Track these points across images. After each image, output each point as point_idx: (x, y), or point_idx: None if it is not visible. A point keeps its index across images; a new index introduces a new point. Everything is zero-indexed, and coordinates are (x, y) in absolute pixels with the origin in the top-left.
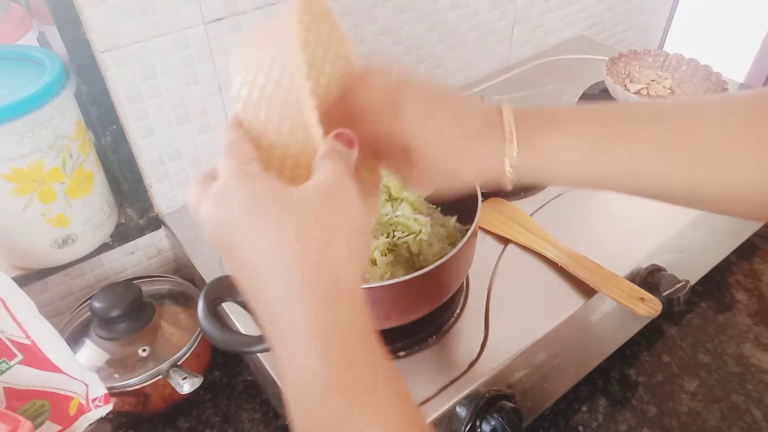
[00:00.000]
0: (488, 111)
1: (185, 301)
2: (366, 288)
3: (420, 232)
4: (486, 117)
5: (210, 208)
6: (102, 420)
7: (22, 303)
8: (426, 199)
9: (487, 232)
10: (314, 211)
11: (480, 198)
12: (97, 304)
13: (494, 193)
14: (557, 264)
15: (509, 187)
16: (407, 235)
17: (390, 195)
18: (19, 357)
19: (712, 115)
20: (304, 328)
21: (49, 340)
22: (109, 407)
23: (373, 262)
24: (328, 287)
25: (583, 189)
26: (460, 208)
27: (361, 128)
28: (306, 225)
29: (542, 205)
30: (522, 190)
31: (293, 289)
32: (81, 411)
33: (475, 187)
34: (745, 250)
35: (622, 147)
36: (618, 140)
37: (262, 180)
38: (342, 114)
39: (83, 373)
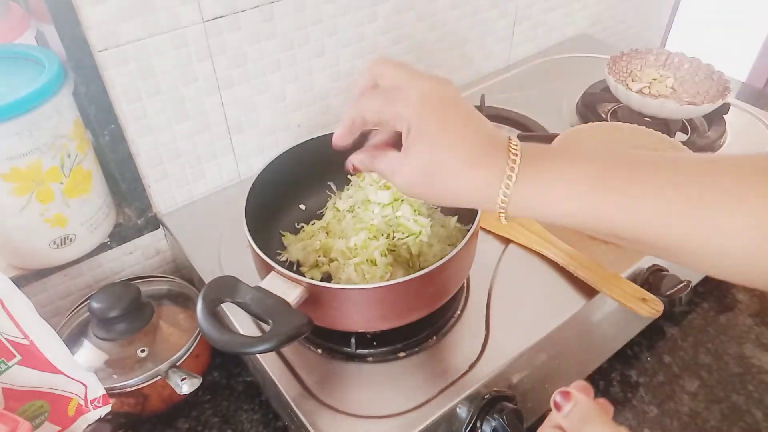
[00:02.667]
0: (495, 135)
1: (184, 301)
2: (366, 288)
3: (420, 233)
4: (489, 144)
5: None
6: (101, 421)
7: (21, 303)
8: None
9: (488, 232)
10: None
11: None
12: (95, 305)
13: None
14: (558, 264)
15: (501, 219)
16: (407, 237)
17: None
18: (18, 357)
19: (724, 169)
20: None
21: (48, 341)
22: (107, 408)
23: (373, 263)
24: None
25: (573, 228)
26: (460, 208)
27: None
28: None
29: None
30: None
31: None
32: (80, 412)
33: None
34: None
35: (626, 189)
36: (623, 182)
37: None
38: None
39: (82, 374)
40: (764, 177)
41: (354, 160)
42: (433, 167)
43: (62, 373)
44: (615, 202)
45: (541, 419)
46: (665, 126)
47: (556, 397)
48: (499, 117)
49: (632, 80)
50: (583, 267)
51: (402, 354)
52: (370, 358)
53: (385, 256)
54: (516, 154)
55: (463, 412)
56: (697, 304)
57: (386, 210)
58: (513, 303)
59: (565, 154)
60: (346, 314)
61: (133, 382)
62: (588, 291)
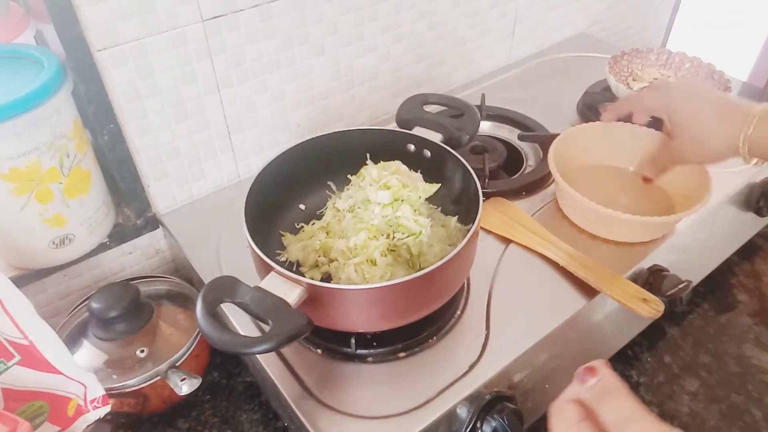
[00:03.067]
0: (736, 102)
1: (184, 301)
2: (366, 288)
3: (420, 233)
4: (734, 102)
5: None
6: (101, 421)
7: (20, 303)
8: (428, 199)
9: (489, 232)
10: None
11: (481, 198)
12: (95, 305)
13: (496, 193)
14: (558, 264)
15: (746, 161)
16: (407, 237)
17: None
18: (17, 358)
19: None
20: None
21: (47, 341)
22: (107, 408)
23: (373, 263)
24: None
25: None
26: (461, 208)
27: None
28: None
29: (543, 205)
30: (524, 190)
31: None
32: (79, 412)
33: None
34: (747, 251)
35: None
36: None
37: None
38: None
39: (81, 374)
40: None
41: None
42: (696, 130)
43: (62, 373)
44: None
45: (541, 419)
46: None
47: (581, 370)
48: (499, 117)
49: (633, 80)
50: (583, 267)
51: (402, 354)
52: (370, 358)
53: (385, 256)
54: (757, 108)
55: (463, 412)
56: (697, 304)
57: (386, 210)
58: (513, 303)
59: None
60: (346, 314)
61: (133, 382)
62: (588, 291)
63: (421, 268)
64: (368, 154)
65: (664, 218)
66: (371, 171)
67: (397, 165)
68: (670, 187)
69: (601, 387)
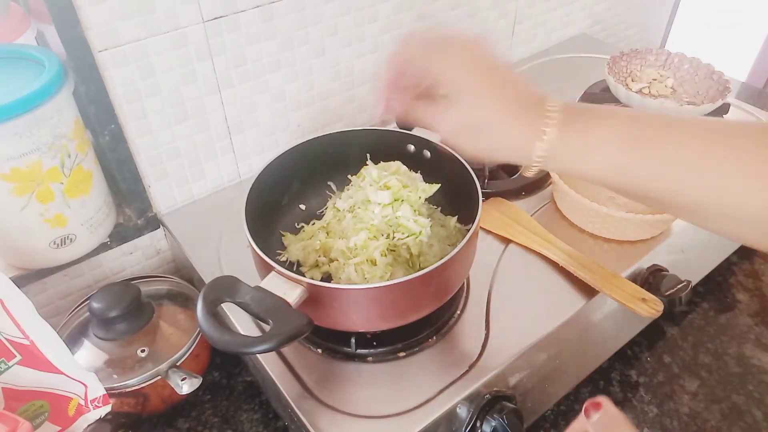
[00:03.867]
0: (533, 94)
1: (184, 301)
2: (366, 288)
3: (420, 233)
4: (529, 98)
5: None
6: (101, 420)
7: (21, 303)
8: (427, 199)
9: (488, 232)
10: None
11: (481, 198)
12: (95, 305)
13: (495, 193)
14: (558, 264)
15: (533, 172)
16: (407, 237)
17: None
18: (18, 357)
19: (749, 134)
20: None
21: (48, 341)
22: (108, 408)
23: (373, 263)
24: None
25: (604, 185)
26: (461, 208)
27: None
28: None
29: (543, 205)
30: (524, 190)
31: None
32: (80, 412)
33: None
34: (746, 251)
35: (659, 144)
36: (656, 143)
37: None
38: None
39: (82, 374)
40: None
41: (394, 103)
42: (476, 122)
43: (62, 373)
44: (646, 161)
45: (541, 419)
46: None
47: (588, 404)
48: None
49: (632, 80)
50: (583, 267)
51: (402, 354)
52: (370, 358)
53: (385, 256)
54: (552, 111)
55: (463, 412)
56: (697, 304)
57: (386, 210)
58: (513, 303)
59: (601, 112)
60: (346, 314)
61: (133, 382)
62: (588, 291)
63: (421, 268)
64: (368, 155)
65: (661, 216)
66: (371, 171)
67: (397, 165)
68: None
69: (605, 421)
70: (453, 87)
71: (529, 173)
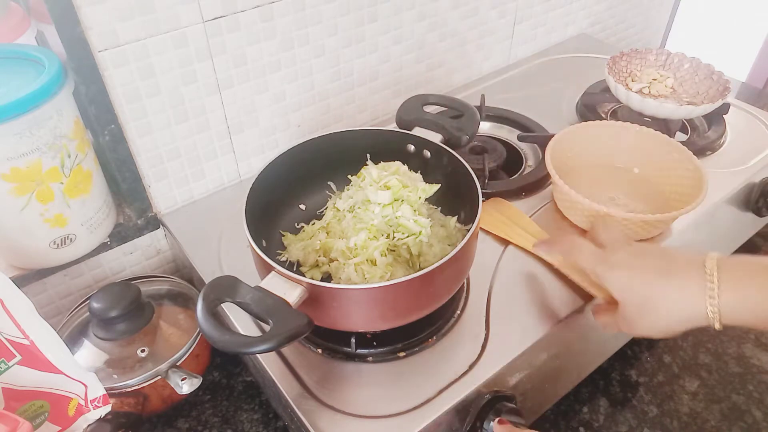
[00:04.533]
0: (690, 256)
1: (184, 301)
2: (366, 288)
3: (420, 233)
4: (688, 260)
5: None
6: (101, 420)
7: (21, 303)
8: (427, 199)
9: (487, 232)
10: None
11: (481, 198)
12: (95, 305)
13: (495, 193)
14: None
15: (718, 328)
16: (407, 237)
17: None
18: (18, 357)
19: None
20: None
21: (48, 341)
22: (108, 408)
23: (373, 263)
24: None
25: None
26: (461, 208)
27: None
28: None
29: (543, 205)
30: (524, 190)
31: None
32: (80, 412)
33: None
34: (747, 251)
35: None
36: None
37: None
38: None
39: (82, 374)
40: None
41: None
42: (646, 304)
43: (62, 373)
44: None
45: (541, 419)
46: (665, 126)
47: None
48: (498, 117)
49: (632, 80)
50: (577, 270)
51: (402, 354)
52: (370, 358)
53: (385, 256)
54: (711, 267)
55: (463, 412)
56: None
57: (386, 210)
58: (513, 303)
59: (757, 263)
60: (346, 314)
61: (133, 382)
62: (587, 292)
63: (421, 268)
64: (368, 155)
65: (660, 216)
66: (371, 171)
67: (397, 165)
68: (667, 186)
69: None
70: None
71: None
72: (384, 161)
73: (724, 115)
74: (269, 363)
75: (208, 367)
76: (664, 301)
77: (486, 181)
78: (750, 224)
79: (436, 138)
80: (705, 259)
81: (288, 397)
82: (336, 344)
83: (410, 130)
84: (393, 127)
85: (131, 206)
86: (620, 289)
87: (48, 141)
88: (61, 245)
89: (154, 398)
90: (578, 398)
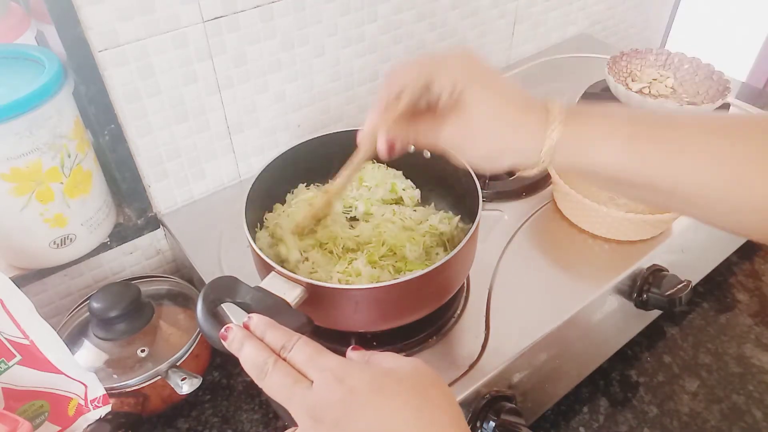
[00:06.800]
0: (532, 98)
1: (184, 301)
2: (366, 288)
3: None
4: (530, 101)
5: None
6: (101, 420)
7: (21, 303)
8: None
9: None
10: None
11: (481, 198)
12: (95, 305)
13: (495, 193)
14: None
15: (536, 171)
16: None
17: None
18: (18, 357)
19: (749, 127)
20: None
21: (48, 341)
22: (108, 408)
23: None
24: None
25: (606, 183)
26: (461, 208)
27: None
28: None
29: (543, 205)
30: (524, 191)
31: None
32: (80, 412)
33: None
34: (747, 251)
35: (660, 140)
36: (661, 137)
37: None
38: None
39: (82, 374)
40: None
41: (389, 135)
42: (482, 125)
43: (62, 373)
44: (653, 155)
45: (541, 419)
46: None
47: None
48: None
49: (632, 80)
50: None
51: (402, 354)
52: None
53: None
54: (554, 111)
55: (463, 411)
56: (697, 304)
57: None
58: (513, 303)
59: (605, 110)
60: (346, 314)
61: (133, 382)
62: (588, 291)
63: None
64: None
65: (660, 216)
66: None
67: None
68: None
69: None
70: (454, 93)
71: (528, 173)
72: (384, 161)
73: None
74: None
75: (208, 367)
76: (504, 136)
77: (486, 181)
78: None
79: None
80: (547, 101)
81: None
82: (336, 344)
83: None
84: None
85: (131, 206)
86: None
87: (48, 141)
88: (61, 245)
89: (154, 398)
90: (578, 398)
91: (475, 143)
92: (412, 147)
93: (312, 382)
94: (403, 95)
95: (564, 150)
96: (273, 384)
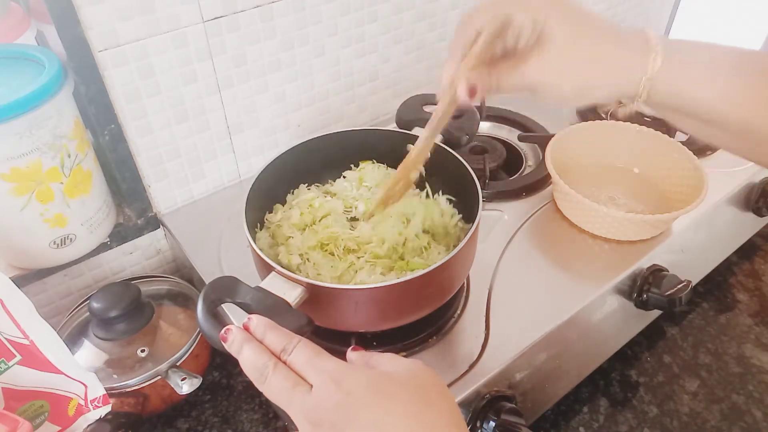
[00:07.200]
0: (623, 26)
1: (184, 301)
2: (366, 288)
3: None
4: (622, 30)
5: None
6: (101, 420)
7: (21, 303)
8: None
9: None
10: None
11: (481, 199)
12: (95, 305)
13: (495, 193)
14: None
15: (633, 108)
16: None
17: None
18: (18, 357)
19: None
20: None
21: (48, 341)
22: (108, 408)
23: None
24: None
25: (704, 116)
26: (461, 208)
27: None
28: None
29: (543, 205)
30: (524, 191)
31: None
32: (80, 411)
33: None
34: (747, 251)
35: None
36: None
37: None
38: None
39: (82, 374)
40: None
41: (469, 83)
42: (579, 55)
43: (62, 373)
44: (749, 91)
45: (541, 419)
46: (665, 125)
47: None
48: (498, 117)
49: None
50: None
51: (402, 354)
52: None
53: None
54: (654, 39)
55: (462, 411)
56: (697, 304)
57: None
58: (513, 303)
59: (705, 52)
60: (346, 314)
61: (133, 382)
62: (588, 291)
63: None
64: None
65: (660, 216)
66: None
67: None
68: (667, 186)
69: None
70: (536, 29)
71: (624, 112)
72: (384, 161)
73: None
74: None
75: (208, 367)
76: (603, 65)
77: (486, 181)
78: (750, 224)
79: (436, 138)
80: (647, 32)
81: None
82: (336, 344)
83: (410, 130)
84: (393, 127)
85: (131, 206)
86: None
87: (48, 141)
88: (61, 245)
89: (154, 398)
90: (578, 398)
91: (564, 79)
92: (412, 146)
93: (311, 385)
94: (479, 39)
95: (661, 84)
96: (273, 388)
